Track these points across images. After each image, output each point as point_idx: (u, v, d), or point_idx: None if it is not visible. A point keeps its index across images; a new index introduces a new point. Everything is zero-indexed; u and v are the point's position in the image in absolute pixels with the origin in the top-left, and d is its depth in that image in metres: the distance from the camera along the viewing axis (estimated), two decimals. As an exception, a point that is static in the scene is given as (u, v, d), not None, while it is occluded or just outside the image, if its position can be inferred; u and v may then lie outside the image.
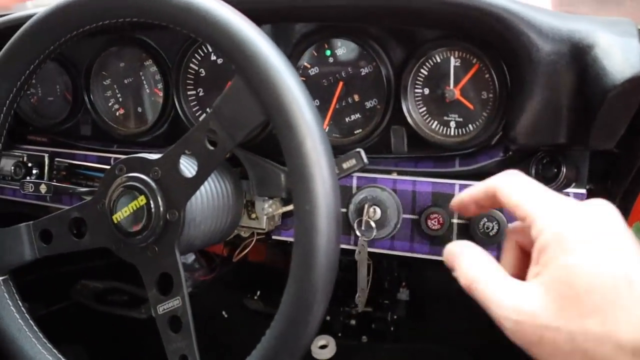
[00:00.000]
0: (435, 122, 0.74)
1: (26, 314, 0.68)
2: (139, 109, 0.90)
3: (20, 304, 0.68)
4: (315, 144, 0.51)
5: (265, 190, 0.72)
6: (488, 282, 0.41)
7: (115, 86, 0.90)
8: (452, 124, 0.73)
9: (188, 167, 0.61)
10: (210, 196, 0.67)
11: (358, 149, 0.60)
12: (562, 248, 0.38)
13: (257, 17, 0.55)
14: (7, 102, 0.67)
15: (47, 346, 0.66)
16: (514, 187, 0.44)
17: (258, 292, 1.34)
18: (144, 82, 0.88)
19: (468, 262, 0.44)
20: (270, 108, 0.52)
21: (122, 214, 0.62)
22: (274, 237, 0.83)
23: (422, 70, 0.73)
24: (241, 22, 0.53)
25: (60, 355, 0.66)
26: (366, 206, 0.74)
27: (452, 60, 0.71)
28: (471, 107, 0.72)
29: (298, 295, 0.51)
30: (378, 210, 0.74)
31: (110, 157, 0.92)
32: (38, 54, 0.64)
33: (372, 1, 0.68)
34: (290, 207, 0.76)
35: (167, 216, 0.60)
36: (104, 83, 0.90)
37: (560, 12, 0.63)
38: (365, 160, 0.60)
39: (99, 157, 0.94)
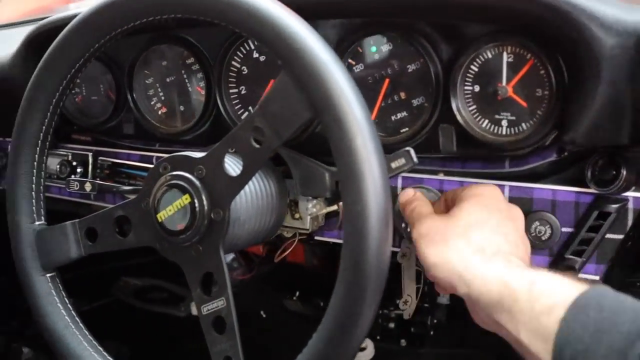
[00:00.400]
0: (486, 121, 0.71)
1: (72, 311, 0.68)
2: (181, 108, 0.89)
3: (67, 300, 0.69)
4: (366, 142, 0.49)
5: (309, 190, 0.71)
6: (421, 213, 0.65)
7: (157, 85, 0.90)
8: (504, 123, 0.70)
9: (233, 165, 0.61)
10: (254, 195, 0.66)
11: (407, 148, 0.58)
12: (460, 201, 0.63)
13: (301, 13, 0.54)
14: (54, 100, 0.67)
15: (93, 343, 0.66)
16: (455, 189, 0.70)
17: (297, 293, 1.32)
18: (186, 80, 0.88)
19: (417, 203, 0.67)
20: (319, 104, 0.50)
21: (166, 213, 0.61)
22: (316, 237, 0.82)
23: (472, 67, 0.70)
24: (287, 16, 0.52)
25: (105, 353, 0.66)
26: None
27: (505, 55, 0.68)
28: (524, 105, 0.69)
29: (347, 298, 0.49)
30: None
31: (152, 156, 0.93)
32: (83, 53, 0.65)
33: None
34: (334, 208, 0.74)
35: (212, 215, 0.59)
36: (146, 82, 0.91)
37: (625, 4, 0.59)
38: (415, 159, 0.58)
39: (141, 156, 0.94)
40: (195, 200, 0.59)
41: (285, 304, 1.35)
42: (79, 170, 0.98)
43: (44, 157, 0.70)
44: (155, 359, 1.44)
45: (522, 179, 0.70)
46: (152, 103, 0.91)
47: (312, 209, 0.73)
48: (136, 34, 0.69)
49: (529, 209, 0.68)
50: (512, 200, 0.69)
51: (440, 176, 0.73)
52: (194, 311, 1.37)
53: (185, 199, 0.60)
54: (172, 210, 0.61)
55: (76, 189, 0.86)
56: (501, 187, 0.70)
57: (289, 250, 0.84)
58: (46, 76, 0.67)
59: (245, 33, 0.54)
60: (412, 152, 0.58)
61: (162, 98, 0.90)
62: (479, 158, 0.73)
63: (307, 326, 0.53)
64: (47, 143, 0.70)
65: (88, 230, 0.68)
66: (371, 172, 0.49)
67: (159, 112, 0.91)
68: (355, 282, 0.49)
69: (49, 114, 0.68)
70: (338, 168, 0.50)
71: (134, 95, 0.90)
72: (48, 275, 0.69)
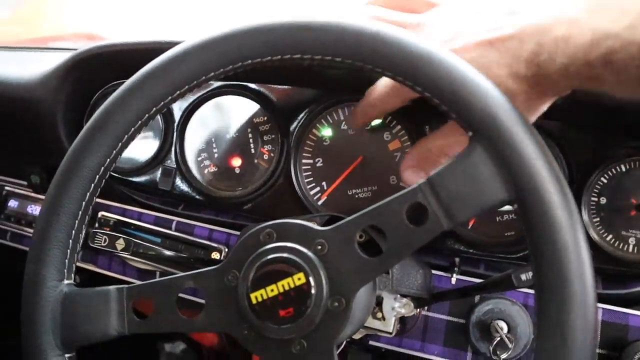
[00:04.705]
0: (610, 236, 0.66)
1: None
2: (237, 170, 0.77)
3: None
4: (579, 241, 0.41)
5: (404, 287, 0.61)
6: None
7: (213, 139, 0.78)
8: (632, 241, 0.65)
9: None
10: None
11: None
12: None
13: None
14: (120, 143, 0.52)
15: None
16: None
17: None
18: (251, 140, 0.77)
19: None
20: (524, 185, 0.42)
21: (265, 293, 0.48)
22: (371, 342, 0.70)
23: (602, 178, 0.66)
24: (485, 80, 0.45)
25: None
26: (494, 321, 0.65)
27: (646, 168, 0.65)
28: None
29: None
30: (505, 326, 0.65)
31: (172, 220, 0.78)
32: (172, 91, 0.50)
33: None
34: (414, 311, 0.64)
35: (329, 304, 0.47)
36: (201, 133, 0.78)
37: None
38: None
39: (157, 218, 0.80)
40: (312, 282, 0.47)
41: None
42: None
43: (96, 193, 0.54)
44: None
45: (619, 302, 0.64)
46: (200, 159, 0.78)
47: (399, 310, 0.63)
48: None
49: (624, 337, 0.62)
50: (604, 325, 0.63)
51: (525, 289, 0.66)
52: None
53: (297, 279, 0.47)
54: (274, 291, 0.48)
55: (104, 244, 0.68)
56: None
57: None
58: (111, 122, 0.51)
59: (428, 92, 0.46)
60: None
61: (215, 155, 0.77)
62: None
63: None
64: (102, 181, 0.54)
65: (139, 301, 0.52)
66: (583, 279, 0.40)
67: (206, 171, 0.78)
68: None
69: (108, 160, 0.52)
70: (538, 266, 0.41)
71: (184, 145, 0.77)
72: (67, 355, 0.51)
